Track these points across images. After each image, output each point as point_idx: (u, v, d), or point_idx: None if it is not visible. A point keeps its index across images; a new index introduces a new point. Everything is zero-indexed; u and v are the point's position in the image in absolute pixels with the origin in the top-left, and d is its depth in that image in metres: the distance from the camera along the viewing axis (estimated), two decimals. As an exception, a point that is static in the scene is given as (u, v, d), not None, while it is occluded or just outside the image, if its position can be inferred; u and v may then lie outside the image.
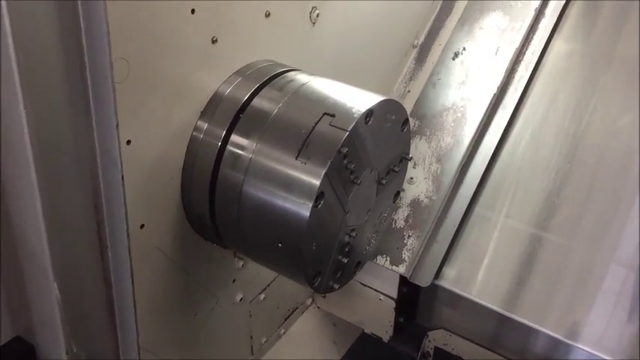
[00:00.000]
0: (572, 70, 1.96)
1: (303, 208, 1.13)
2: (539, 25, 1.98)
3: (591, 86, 1.90)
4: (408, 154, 1.42)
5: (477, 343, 1.79)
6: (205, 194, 1.24)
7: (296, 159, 1.14)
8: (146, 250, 1.24)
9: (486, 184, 1.84)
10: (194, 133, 1.24)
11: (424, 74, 1.98)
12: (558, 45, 1.98)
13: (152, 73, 1.11)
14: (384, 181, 1.34)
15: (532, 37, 1.96)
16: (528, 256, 1.75)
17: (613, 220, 1.72)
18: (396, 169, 1.38)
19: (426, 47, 2.01)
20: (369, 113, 1.19)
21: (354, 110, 1.17)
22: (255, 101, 1.24)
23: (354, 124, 1.15)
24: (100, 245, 0.93)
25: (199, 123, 1.25)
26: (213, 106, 1.25)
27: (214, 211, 1.25)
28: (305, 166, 1.13)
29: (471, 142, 1.84)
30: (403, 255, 1.74)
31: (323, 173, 1.12)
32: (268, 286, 1.70)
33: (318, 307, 2.01)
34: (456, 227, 1.78)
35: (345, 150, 1.14)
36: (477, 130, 1.85)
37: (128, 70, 1.04)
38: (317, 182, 1.12)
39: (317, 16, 1.47)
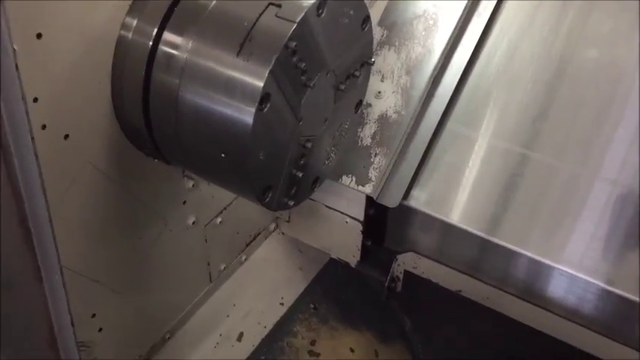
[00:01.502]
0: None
1: (246, 113, 0.99)
2: None
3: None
4: (371, 57, 1.28)
5: (447, 265, 1.70)
6: (138, 102, 1.10)
7: (237, 56, 1.00)
8: (75, 165, 1.10)
9: (459, 98, 1.70)
10: (122, 31, 1.09)
11: (394, -21, 1.81)
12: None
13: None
14: (342, 87, 1.20)
15: (511, -63, 1.79)
16: (503, 173, 1.64)
17: (596, 134, 1.61)
18: (357, 74, 1.24)
19: (396, -51, 1.83)
20: (322, 4, 1.04)
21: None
22: (192, -8, 1.08)
23: (303, 14, 1.00)
24: (3, 151, 0.79)
25: (127, 19, 1.09)
26: (143, -1, 1.09)
27: (150, 120, 1.11)
28: (247, 64, 0.99)
29: (444, 52, 1.69)
30: (370, 174, 1.63)
31: (267, 71, 0.98)
32: (225, 209, 1.58)
33: (283, 233, 1.91)
34: (427, 144, 1.66)
35: (293, 44, 1.00)
36: (450, 39, 1.70)
37: (30, -52, 0.88)
38: (261, 82, 0.98)
39: None
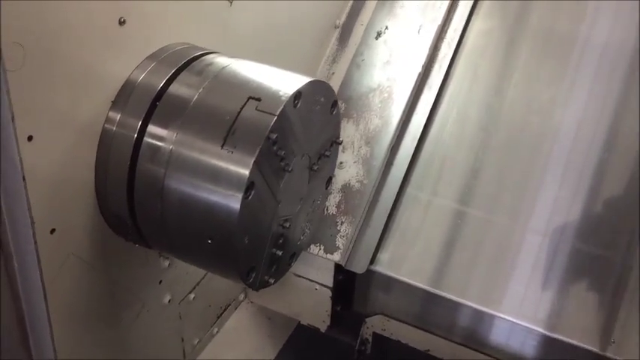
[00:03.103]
0: (492, 47, 1.95)
1: (233, 201, 1.04)
2: (459, 2, 1.96)
3: (512, 62, 1.91)
4: (339, 137, 1.36)
5: (414, 326, 1.76)
6: (123, 192, 1.13)
7: (222, 148, 1.05)
8: (60, 257, 1.12)
9: (417, 164, 1.81)
10: (106, 125, 1.13)
11: (347, 55, 1.92)
12: (478, 22, 1.97)
13: (52, 59, 0.99)
14: (315, 167, 1.28)
15: (453, 15, 1.94)
16: (454, 232, 1.74)
17: (528, 191, 1.73)
18: (327, 153, 1.31)
19: (348, 27, 1.95)
20: (297, 95, 1.12)
21: (281, 93, 1.10)
22: (173, 88, 1.14)
23: (282, 107, 1.07)
24: (3, 255, 0.81)
25: (111, 114, 1.13)
26: (125, 94, 1.14)
27: (134, 209, 1.14)
28: (232, 155, 1.05)
29: (399, 122, 1.80)
30: (337, 242, 1.69)
31: (252, 162, 1.04)
32: (198, 284, 1.60)
33: (252, 302, 1.93)
34: (389, 210, 1.74)
35: (274, 136, 1.06)
36: (405, 110, 1.82)
37: (24, 57, 0.92)
38: (246, 172, 1.04)
39: (234, -6, 1.38)
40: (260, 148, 1.04)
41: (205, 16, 1.33)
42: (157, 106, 1.12)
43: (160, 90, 1.14)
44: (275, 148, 1.09)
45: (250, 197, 1.06)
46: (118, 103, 1.14)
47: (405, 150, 1.80)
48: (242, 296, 1.89)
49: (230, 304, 1.84)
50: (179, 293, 1.54)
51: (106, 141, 1.13)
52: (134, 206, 1.14)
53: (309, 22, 1.81)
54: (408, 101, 1.82)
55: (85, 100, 1.09)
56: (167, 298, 1.48)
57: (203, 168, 1.07)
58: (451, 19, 1.93)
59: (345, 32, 1.95)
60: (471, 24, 1.96)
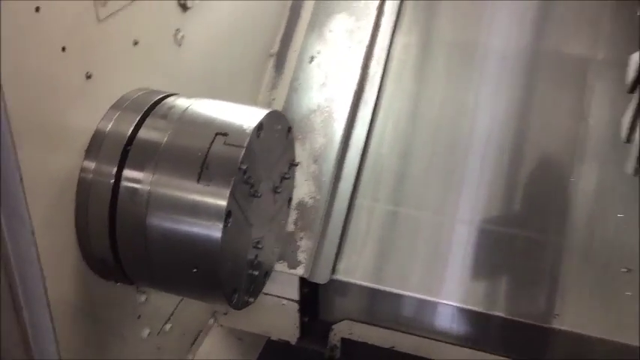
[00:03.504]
0: (412, 60, 2.11)
1: (214, 230, 1.13)
2: (382, 22, 2.12)
3: (429, 71, 2.08)
4: (294, 159, 1.47)
5: (377, 325, 1.89)
6: (105, 235, 1.20)
7: (198, 183, 1.14)
8: (52, 302, 1.17)
9: (362, 176, 1.95)
10: (82, 174, 1.19)
11: (285, 81, 2.04)
12: (400, 39, 2.13)
13: (25, 117, 1.04)
14: (279, 190, 1.38)
15: (378, 34, 2.10)
16: (395, 232, 1.89)
17: (455, 187, 1.92)
18: (287, 175, 1.42)
19: (282, 55, 2.07)
20: (260, 127, 1.22)
21: (245, 126, 1.20)
22: (142, 133, 1.22)
23: (248, 139, 1.17)
24: (15, 307, 0.86)
25: (86, 163, 1.20)
26: (96, 144, 1.21)
27: (118, 251, 1.21)
28: (209, 188, 1.14)
29: (342, 139, 1.93)
30: (299, 257, 1.80)
31: (228, 192, 1.13)
32: (172, 314, 1.66)
33: (221, 325, 2.00)
34: (343, 221, 1.87)
35: (244, 166, 1.16)
36: (345, 126, 1.95)
37: None
38: (224, 203, 1.13)
39: (182, 37, 1.47)
40: (234, 179, 1.14)
41: (158, 61, 1.41)
42: (130, 151, 1.20)
43: (129, 136, 1.21)
44: (245, 176, 1.19)
45: (229, 225, 1.15)
46: (90, 152, 1.20)
47: (350, 163, 1.94)
48: (211, 321, 1.96)
49: (202, 330, 1.91)
50: (156, 326, 1.59)
51: (83, 189, 1.19)
52: (117, 248, 1.21)
53: (248, 54, 1.91)
54: (348, 118, 1.96)
55: (58, 154, 1.15)
56: (146, 331, 1.54)
57: (183, 203, 1.15)
58: (376, 39, 2.09)
59: (280, 59, 2.07)
60: (394, 40, 2.12)
